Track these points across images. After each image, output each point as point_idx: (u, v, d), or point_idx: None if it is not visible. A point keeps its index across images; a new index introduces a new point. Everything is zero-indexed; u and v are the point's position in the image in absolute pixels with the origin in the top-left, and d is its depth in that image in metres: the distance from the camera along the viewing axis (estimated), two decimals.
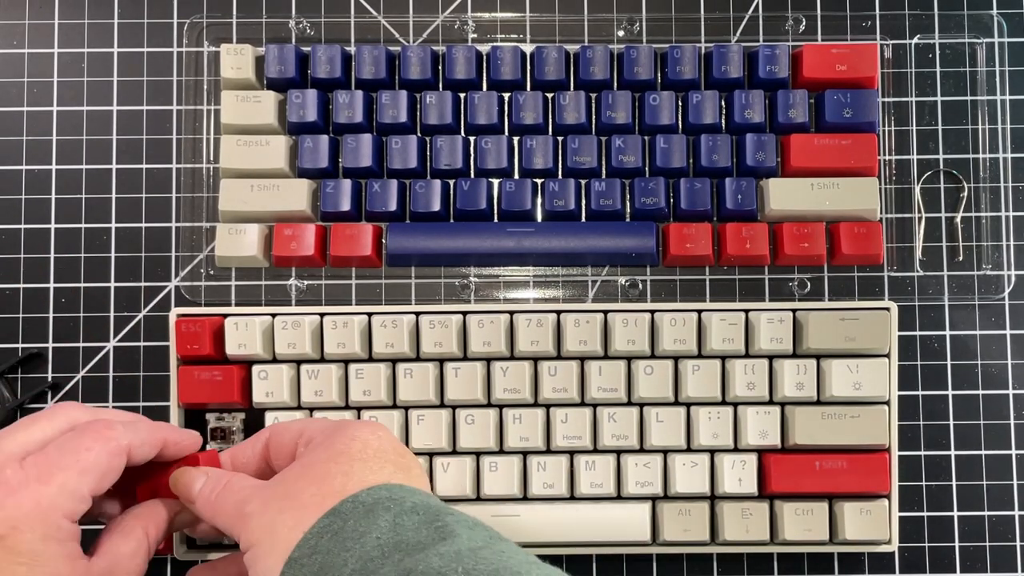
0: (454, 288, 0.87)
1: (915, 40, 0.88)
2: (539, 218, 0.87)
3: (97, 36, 0.90)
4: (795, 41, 0.88)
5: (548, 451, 0.83)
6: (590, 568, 0.86)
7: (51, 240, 0.88)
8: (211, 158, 0.87)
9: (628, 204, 0.87)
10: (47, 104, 0.89)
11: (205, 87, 0.88)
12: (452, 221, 0.87)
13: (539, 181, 0.87)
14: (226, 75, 0.87)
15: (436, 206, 0.86)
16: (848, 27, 0.88)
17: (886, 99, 0.87)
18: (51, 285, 0.88)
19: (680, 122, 0.87)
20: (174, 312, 0.83)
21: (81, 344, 0.88)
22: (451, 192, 0.87)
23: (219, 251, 0.86)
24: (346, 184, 0.86)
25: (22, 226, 0.88)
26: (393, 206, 0.86)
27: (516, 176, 0.87)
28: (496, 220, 0.87)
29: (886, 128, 0.87)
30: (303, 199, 0.86)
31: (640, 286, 0.87)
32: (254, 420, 0.84)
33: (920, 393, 0.86)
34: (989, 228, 0.86)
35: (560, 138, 0.87)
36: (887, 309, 0.82)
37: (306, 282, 0.87)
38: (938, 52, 0.88)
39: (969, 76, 0.87)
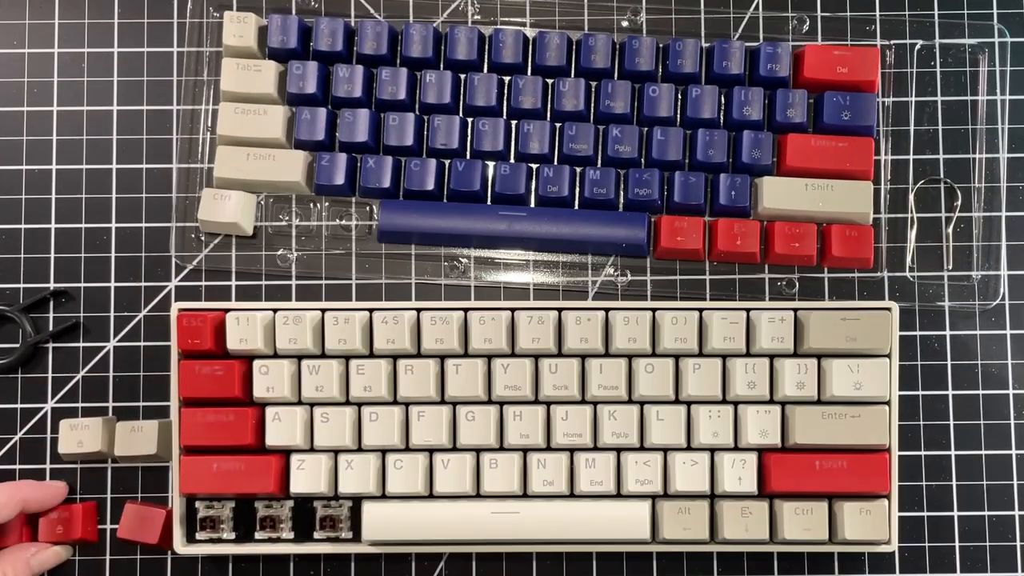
0: (446, 270, 0.87)
1: (916, 43, 0.88)
2: (532, 203, 0.87)
3: (97, 36, 0.90)
4: (796, 42, 0.88)
5: (548, 448, 0.83)
6: (590, 566, 0.86)
7: (51, 240, 0.88)
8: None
9: (622, 194, 0.87)
10: (47, 104, 0.89)
11: (206, 58, 0.88)
12: (445, 201, 0.87)
13: (534, 166, 0.87)
14: (228, 43, 0.87)
15: (430, 185, 0.86)
16: (848, 30, 0.88)
17: (885, 99, 0.87)
18: (51, 285, 0.88)
19: (678, 115, 0.87)
20: (175, 306, 0.82)
21: (81, 344, 0.87)
22: (446, 172, 0.87)
23: (201, 215, 0.86)
24: (341, 158, 0.86)
25: (22, 226, 0.88)
26: (387, 182, 0.86)
27: (512, 160, 0.88)
28: (489, 202, 0.87)
29: (884, 129, 0.87)
30: (298, 170, 0.86)
31: (628, 274, 0.87)
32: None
33: (920, 393, 0.87)
34: (987, 230, 0.87)
35: (557, 124, 0.87)
36: (888, 309, 0.82)
37: (299, 251, 0.87)
38: (938, 55, 0.88)
39: (969, 78, 0.88)
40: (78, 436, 0.85)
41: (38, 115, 0.89)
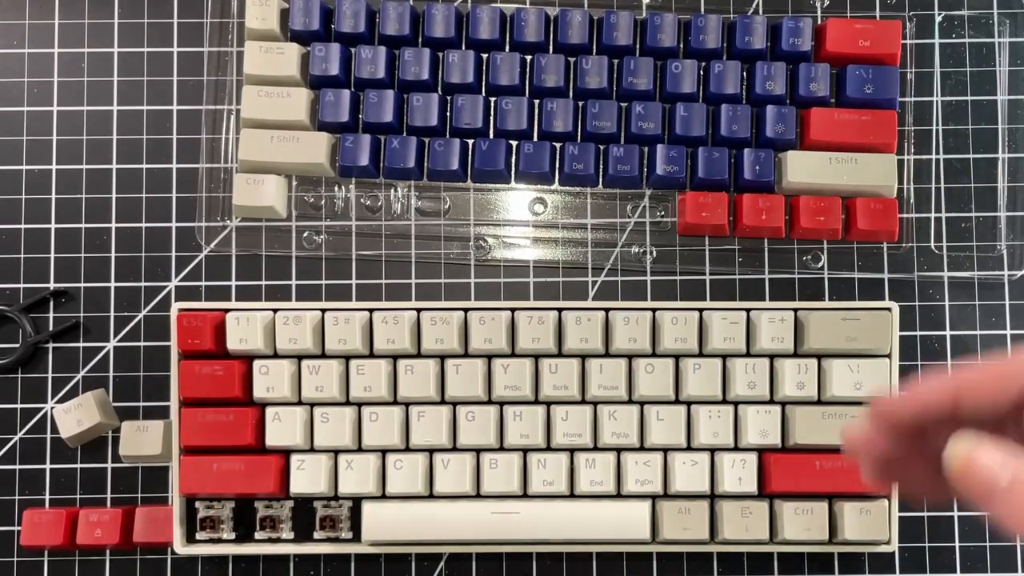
0: (471, 249, 0.87)
1: (937, 14, 0.88)
2: (556, 181, 0.88)
3: (97, 36, 0.90)
4: (817, 16, 0.88)
5: (548, 449, 0.83)
6: (590, 566, 0.86)
7: (51, 240, 0.88)
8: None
9: (646, 170, 0.87)
10: (47, 104, 0.89)
11: (229, 57, 0.89)
12: (469, 180, 0.88)
13: (558, 144, 0.87)
14: (251, 25, 0.87)
15: (454, 164, 0.86)
16: (869, 3, 0.88)
17: (907, 71, 0.87)
18: (51, 285, 0.88)
19: (701, 91, 0.87)
20: (175, 306, 0.82)
21: (81, 344, 0.87)
22: (470, 151, 0.87)
23: (236, 200, 0.86)
24: (365, 139, 0.86)
25: (22, 226, 0.88)
26: (411, 163, 0.86)
27: (535, 138, 0.87)
28: (513, 181, 0.88)
29: (907, 100, 0.87)
30: (322, 152, 0.86)
31: (654, 253, 0.87)
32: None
33: None
34: (1012, 201, 0.86)
35: (580, 102, 0.87)
36: (888, 309, 0.82)
37: (326, 232, 0.87)
38: (965, 26, 0.88)
39: (992, 49, 0.87)
40: (74, 417, 0.85)
41: (38, 115, 0.89)
